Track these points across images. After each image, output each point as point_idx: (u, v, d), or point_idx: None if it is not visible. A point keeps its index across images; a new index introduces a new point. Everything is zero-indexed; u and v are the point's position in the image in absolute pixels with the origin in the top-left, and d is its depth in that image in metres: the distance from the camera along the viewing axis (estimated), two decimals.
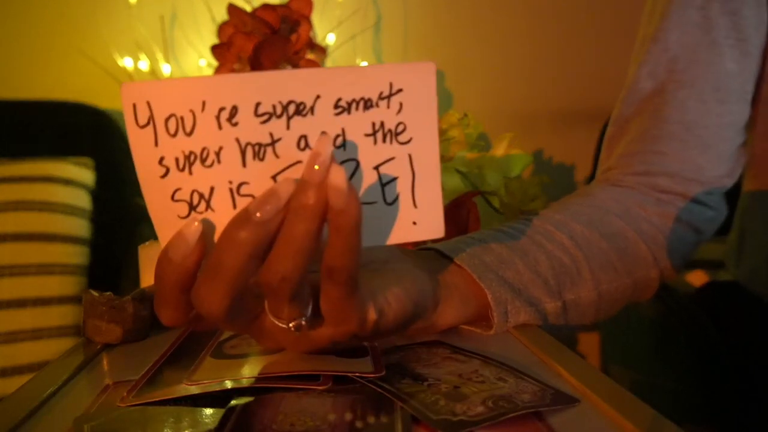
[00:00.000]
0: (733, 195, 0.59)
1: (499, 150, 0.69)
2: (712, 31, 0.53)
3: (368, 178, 0.28)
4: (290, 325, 0.29)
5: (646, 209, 0.52)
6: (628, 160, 0.55)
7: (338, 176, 0.25)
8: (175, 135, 0.26)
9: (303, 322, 0.29)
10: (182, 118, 0.26)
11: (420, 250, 0.44)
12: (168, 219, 0.27)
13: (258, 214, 0.25)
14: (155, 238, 0.51)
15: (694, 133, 0.53)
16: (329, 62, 1.00)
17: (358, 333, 0.31)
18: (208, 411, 0.28)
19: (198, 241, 0.26)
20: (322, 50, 0.88)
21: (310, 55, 0.84)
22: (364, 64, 1.26)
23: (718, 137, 0.53)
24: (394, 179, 0.28)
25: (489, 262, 0.42)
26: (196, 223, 0.26)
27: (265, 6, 0.84)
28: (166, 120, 0.26)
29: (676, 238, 0.52)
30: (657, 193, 0.53)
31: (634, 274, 0.49)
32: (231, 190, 0.27)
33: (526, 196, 0.66)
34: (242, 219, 0.26)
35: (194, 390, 0.30)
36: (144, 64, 1.21)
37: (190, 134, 0.26)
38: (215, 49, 0.83)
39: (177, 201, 0.27)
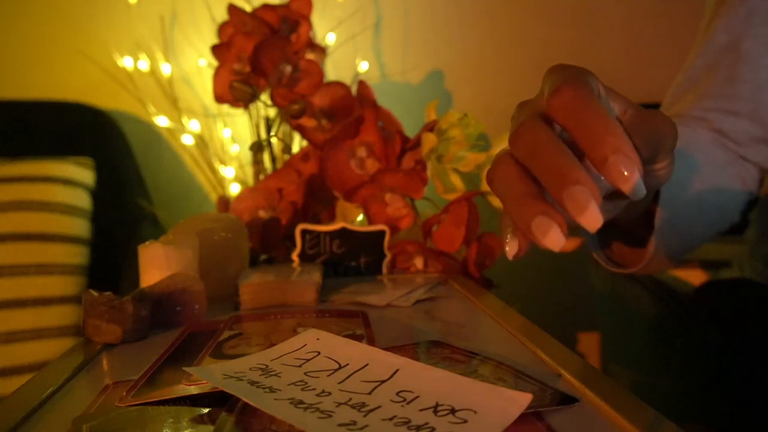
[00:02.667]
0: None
1: (500, 150, 0.69)
2: None
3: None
4: None
5: (729, 166, 0.53)
6: (701, 114, 0.55)
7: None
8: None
9: None
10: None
11: None
12: None
13: None
14: (155, 237, 0.51)
15: (765, 93, 0.53)
16: (329, 62, 1.00)
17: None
18: (208, 411, 0.28)
19: None
20: (322, 50, 0.88)
21: (310, 55, 0.84)
22: (365, 64, 1.26)
23: None
24: None
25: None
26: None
27: (265, 6, 0.84)
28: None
29: (740, 199, 0.54)
30: (730, 153, 0.54)
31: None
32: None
33: None
34: None
35: (193, 390, 0.30)
36: (144, 64, 1.21)
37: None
38: (215, 49, 0.83)
39: None
